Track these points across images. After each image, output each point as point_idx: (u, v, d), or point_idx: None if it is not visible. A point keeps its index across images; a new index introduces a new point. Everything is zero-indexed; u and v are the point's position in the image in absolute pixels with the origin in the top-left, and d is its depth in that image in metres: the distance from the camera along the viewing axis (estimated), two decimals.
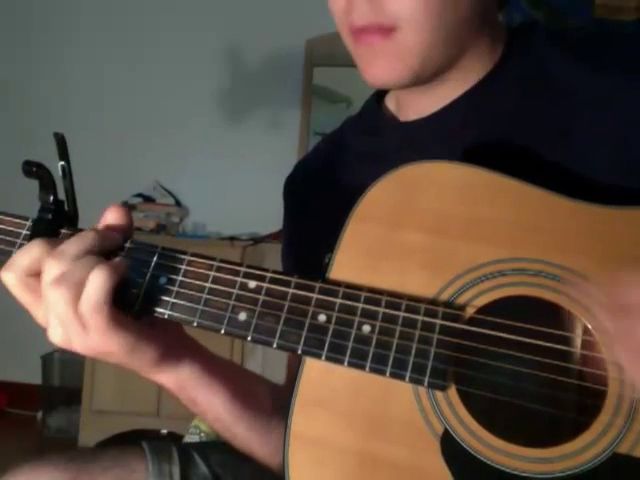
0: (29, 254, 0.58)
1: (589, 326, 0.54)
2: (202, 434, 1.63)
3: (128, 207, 2.75)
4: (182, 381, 0.66)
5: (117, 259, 0.59)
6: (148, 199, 2.82)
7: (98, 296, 0.55)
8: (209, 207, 2.85)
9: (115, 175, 2.81)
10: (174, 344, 0.64)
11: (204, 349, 0.69)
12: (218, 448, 0.80)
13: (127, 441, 0.79)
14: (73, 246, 0.57)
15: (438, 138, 0.70)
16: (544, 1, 2.63)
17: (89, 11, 2.93)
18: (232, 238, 2.58)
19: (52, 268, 0.56)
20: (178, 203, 2.87)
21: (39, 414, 2.73)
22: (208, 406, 0.68)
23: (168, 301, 0.59)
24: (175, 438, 2.10)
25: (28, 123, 2.90)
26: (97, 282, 0.55)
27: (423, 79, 0.67)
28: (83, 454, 0.75)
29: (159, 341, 0.61)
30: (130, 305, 0.59)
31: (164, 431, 2.44)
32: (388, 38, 0.64)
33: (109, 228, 0.62)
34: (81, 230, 0.62)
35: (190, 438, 1.62)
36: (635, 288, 0.48)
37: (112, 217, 0.62)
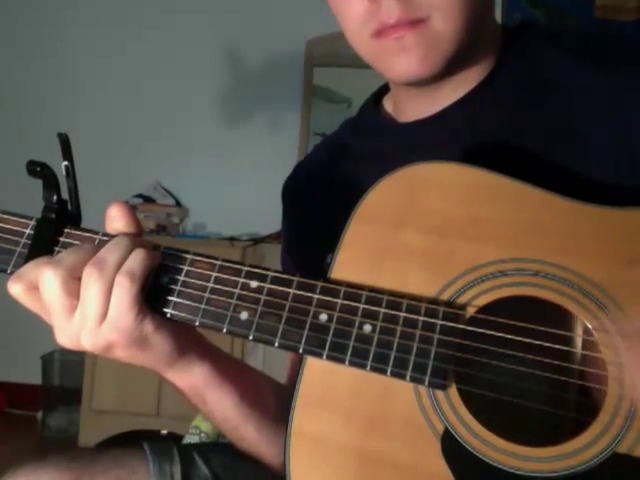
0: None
1: (589, 325, 0.54)
2: (202, 434, 1.62)
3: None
4: (194, 380, 0.65)
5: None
6: (148, 199, 2.81)
7: (136, 265, 0.56)
8: (209, 207, 2.85)
9: (115, 175, 2.81)
10: (187, 342, 0.63)
11: (216, 348, 0.68)
12: (219, 450, 0.80)
13: (127, 441, 0.79)
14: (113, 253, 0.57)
15: (438, 139, 0.70)
16: (544, 1, 2.63)
17: (89, 11, 2.93)
18: (232, 238, 2.58)
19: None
20: (178, 203, 2.87)
21: (39, 414, 2.72)
22: (217, 406, 0.68)
23: (171, 300, 0.59)
24: (175, 438, 2.10)
25: (28, 123, 2.90)
26: (138, 255, 0.57)
27: (445, 72, 0.67)
28: (84, 454, 0.75)
29: (172, 337, 0.60)
30: None
31: (164, 431, 2.44)
32: (419, 28, 0.63)
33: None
34: (85, 230, 0.62)
35: (190, 438, 1.62)
36: None
37: (117, 217, 0.61)
